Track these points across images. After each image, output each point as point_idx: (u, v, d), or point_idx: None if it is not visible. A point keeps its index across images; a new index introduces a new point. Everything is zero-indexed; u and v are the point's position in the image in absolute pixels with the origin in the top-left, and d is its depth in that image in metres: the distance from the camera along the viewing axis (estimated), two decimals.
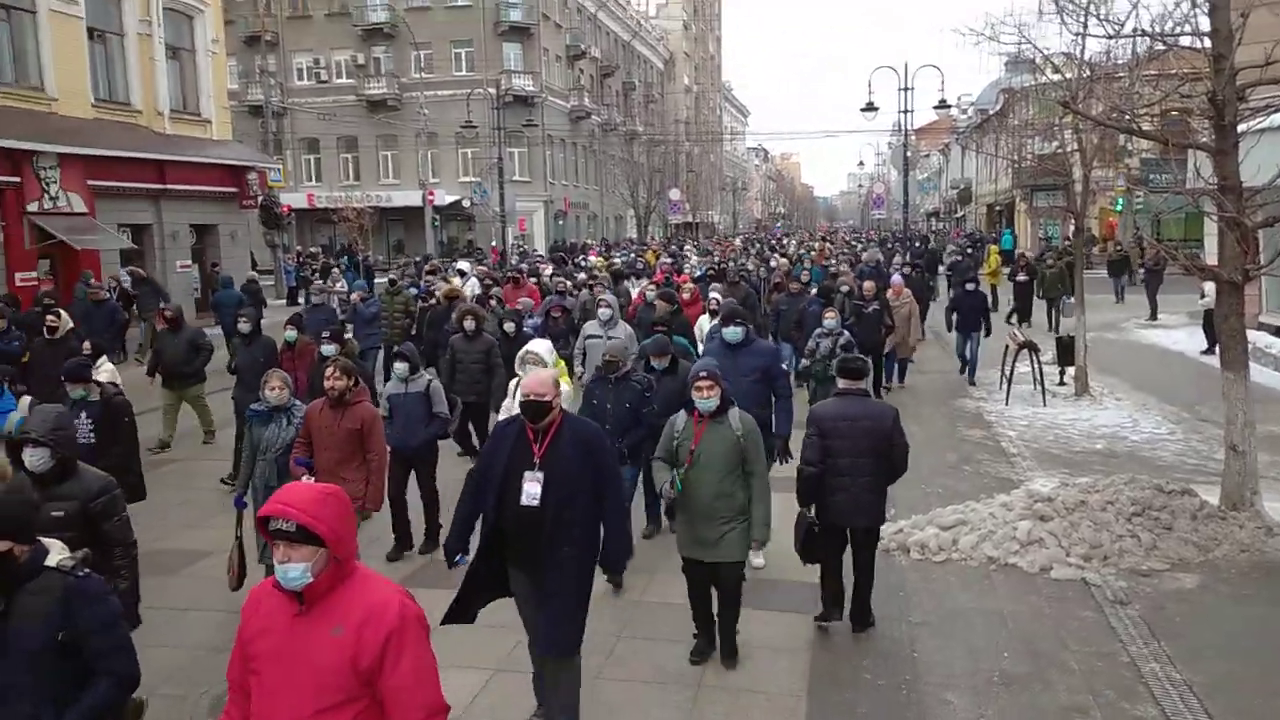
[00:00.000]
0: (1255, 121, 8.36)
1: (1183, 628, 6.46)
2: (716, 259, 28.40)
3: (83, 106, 20.89)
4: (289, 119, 46.74)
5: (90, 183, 20.32)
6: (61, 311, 11.82)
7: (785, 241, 46.15)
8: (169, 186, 22.94)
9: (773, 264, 23.15)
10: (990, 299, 21.30)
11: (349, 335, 13.33)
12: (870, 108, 32.16)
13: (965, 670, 5.95)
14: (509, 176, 41.83)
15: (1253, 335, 11.29)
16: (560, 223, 53.12)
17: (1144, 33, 9.08)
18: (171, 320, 11.73)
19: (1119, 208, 38.26)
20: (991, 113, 44.92)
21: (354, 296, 15.46)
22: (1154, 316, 23.07)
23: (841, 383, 6.55)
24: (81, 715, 3.30)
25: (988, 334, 15.37)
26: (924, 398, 14.40)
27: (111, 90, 22.29)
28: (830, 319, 11.19)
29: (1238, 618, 6.66)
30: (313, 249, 40.15)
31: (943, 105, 33.84)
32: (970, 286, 15.54)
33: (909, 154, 40.58)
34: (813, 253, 30.34)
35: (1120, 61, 11.99)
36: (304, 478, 6.38)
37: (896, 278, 15.82)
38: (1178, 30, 8.62)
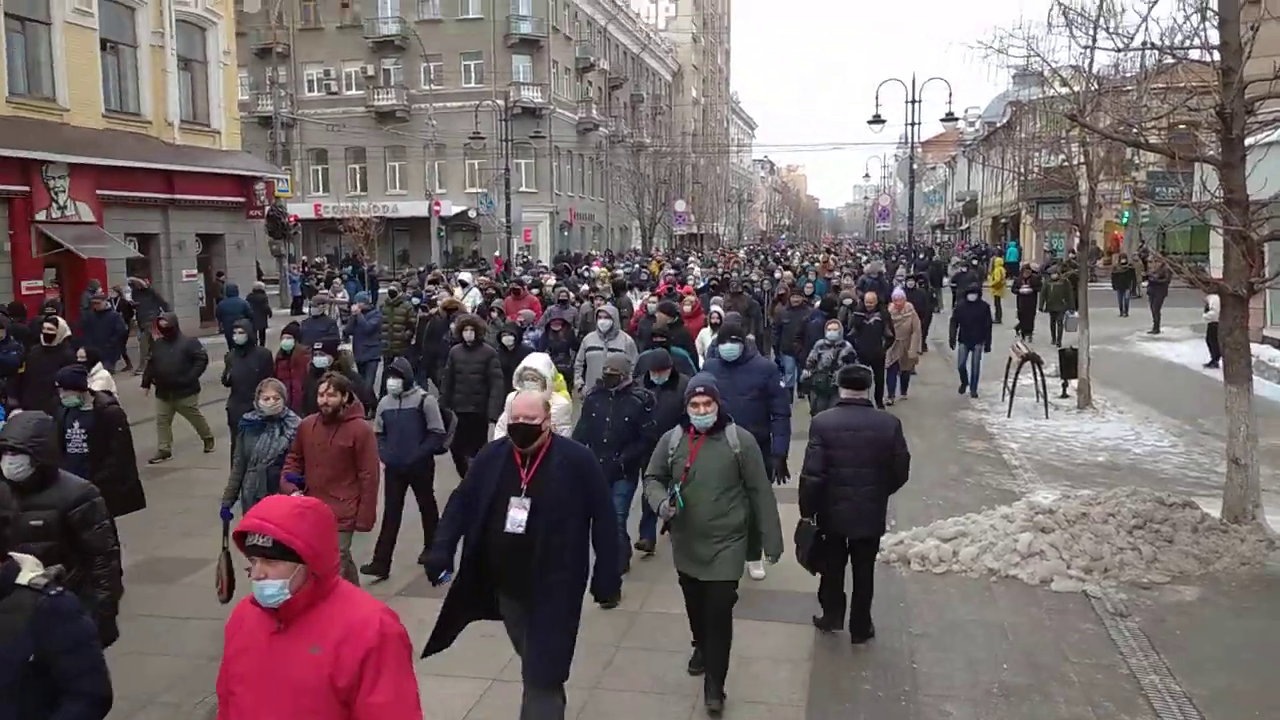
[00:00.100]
0: (1263, 135, 8.37)
1: (1183, 640, 6.46)
2: (720, 270, 28.44)
3: (94, 117, 21.03)
4: (298, 130, 47.01)
5: (99, 192, 20.45)
6: (59, 319, 11.85)
7: (790, 253, 46.19)
8: (177, 196, 23.08)
9: (777, 276, 23.17)
10: (994, 311, 21.30)
11: (346, 346, 13.38)
12: (877, 120, 32.20)
13: (965, 682, 5.95)
14: (515, 187, 41.94)
15: (1256, 349, 11.29)
16: (565, 233, 53.25)
17: (1153, 46, 9.09)
18: (166, 330, 11.69)
19: (1124, 221, 38.23)
20: (998, 125, 44.96)
21: (355, 308, 15.38)
22: (1157, 329, 23.06)
23: (844, 393, 6.59)
24: None
25: (987, 349, 15.20)
26: (926, 409, 14.40)
27: (123, 101, 22.44)
28: (832, 330, 11.21)
29: (1238, 631, 6.65)
30: (318, 259, 40.33)
31: (950, 118, 33.87)
32: (972, 298, 15.50)
33: (915, 166, 40.64)
34: (817, 264, 30.38)
35: (1128, 75, 12.00)
36: (294, 494, 6.36)
37: (898, 291, 15.79)
38: (1187, 44, 8.62)
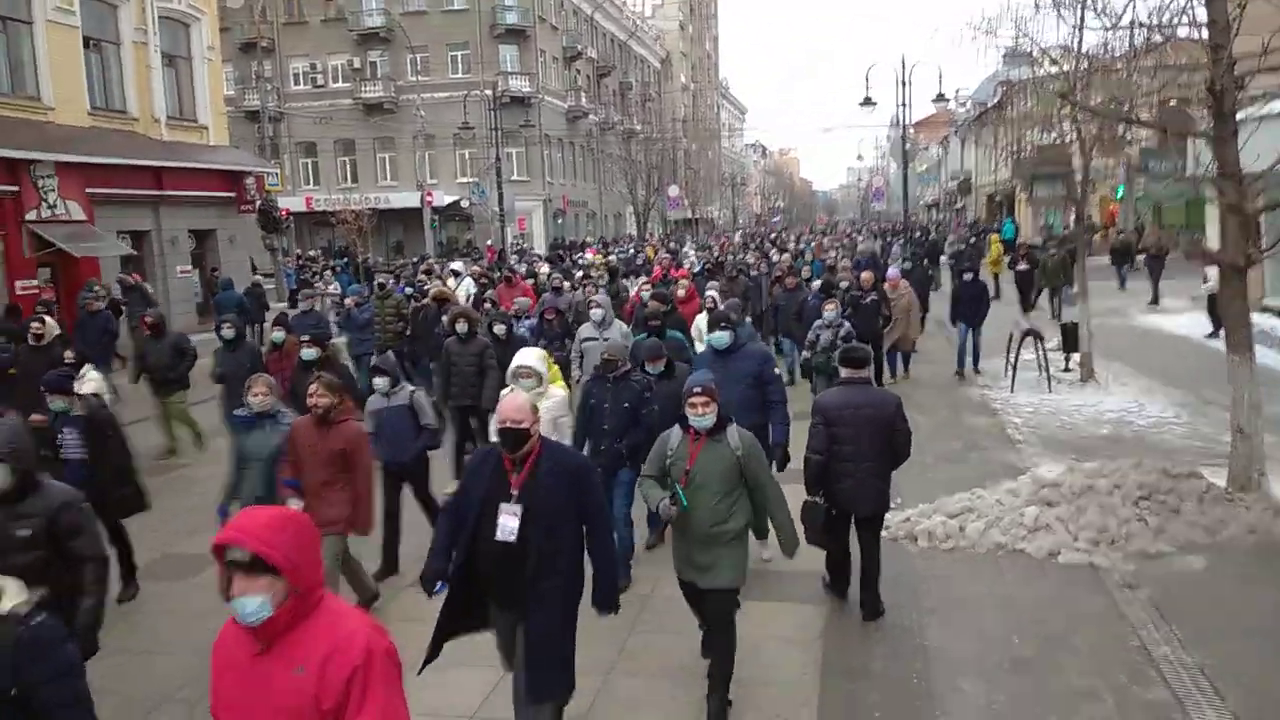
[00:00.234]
0: (1254, 108, 8.35)
1: (1192, 610, 6.44)
2: (715, 254, 28.37)
3: (79, 115, 20.88)
4: (286, 123, 46.75)
5: (88, 190, 20.30)
6: (47, 318, 11.70)
7: (785, 236, 46.15)
8: (167, 192, 22.92)
9: (774, 259, 23.12)
10: (993, 288, 21.27)
11: (340, 339, 13.26)
12: (868, 102, 32.19)
13: (975, 656, 5.94)
14: (507, 176, 41.84)
15: (1257, 318, 11.25)
16: (559, 221, 53.14)
17: (1141, 24, 9.06)
18: (153, 326, 11.56)
19: (1120, 195, 38.21)
20: (990, 105, 44.87)
21: (348, 301, 15.22)
22: (1156, 301, 23.06)
23: (844, 372, 6.61)
24: None
25: (980, 322, 14.99)
26: (929, 387, 14.38)
27: (108, 98, 22.27)
28: (829, 310, 11.18)
29: (1247, 599, 6.64)
30: (312, 252, 40.17)
31: (940, 99, 33.89)
32: (968, 277, 15.45)
33: (908, 147, 40.57)
34: (813, 245, 30.40)
35: (1118, 54, 11.96)
36: (291, 500, 6.23)
37: (894, 270, 15.73)
38: (1175, 22, 8.59)
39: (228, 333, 10.64)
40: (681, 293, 13.17)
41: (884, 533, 7.11)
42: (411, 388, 7.90)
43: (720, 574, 5.23)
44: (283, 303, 27.92)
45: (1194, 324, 18.74)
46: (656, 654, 6.06)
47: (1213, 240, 15.72)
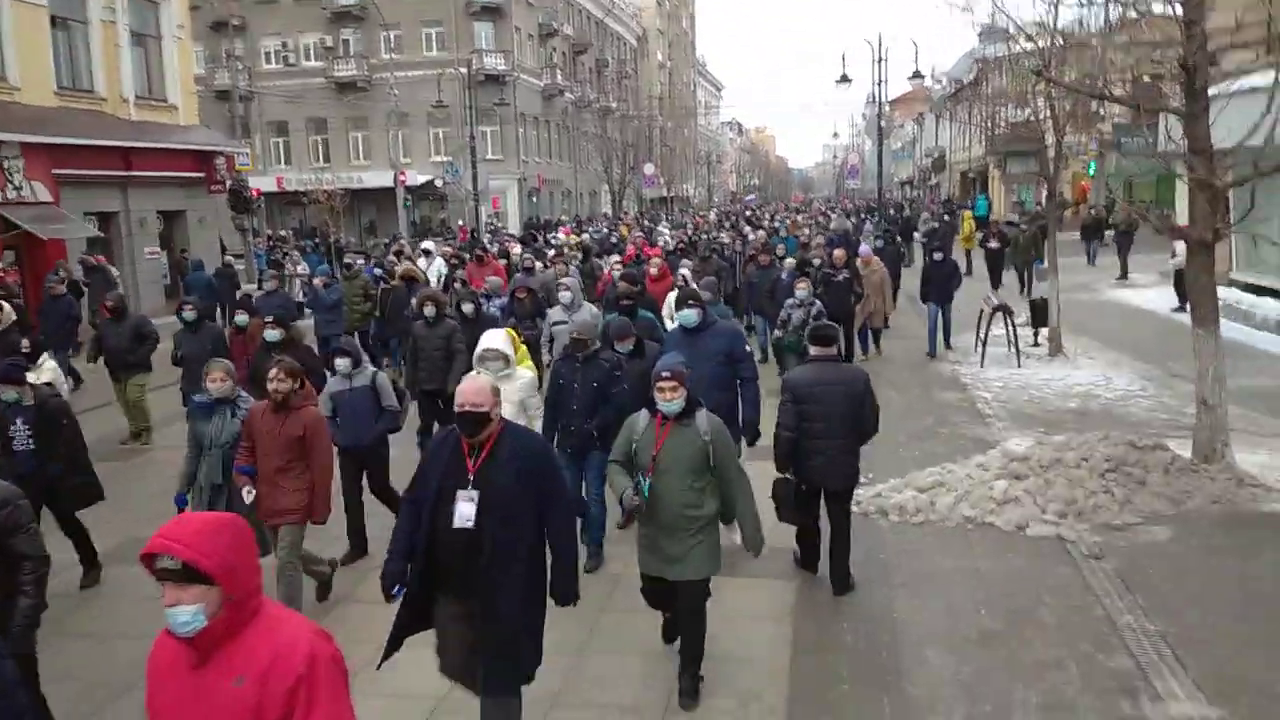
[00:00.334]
0: (1225, 85, 8.41)
1: (1157, 580, 6.56)
2: (690, 232, 28.30)
3: (46, 95, 20.56)
4: (257, 103, 46.12)
5: (55, 171, 20.01)
6: (4, 304, 11.53)
7: (760, 214, 46.16)
8: (135, 173, 22.64)
9: (750, 237, 23.11)
10: (965, 265, 21.35)
11: (308, 320, 13.11)
12: (844, 80, 32.15)
13: (944, 629, 6.02)
14: (481, 155, 41.50)
15: (1223, 292, 11.40)
16: (534, 200, 52.86)
17: (1116, 0, 9.10)
18: (114, 310, 11.38)
19: (1091, 172, 38.46)
20: (966, 82, 44.97)
21: (315, 281, 15.06)
22: (1124, 276, 23.30)
23: (813, 349, 6.68)
24: None
25: (949, 301, 14.94)
26: (901, 364, 14.47)
27: (75, 78, 21.92)
28: (801, 289, 11.20)
29: (1210, 569, 6.76)
30: (282, 232, 39.76)
31: (917, 76, 33.92)
32: (938, 256, 15.41)
33: (883, 124, 40.60)
34: (788, 222, 30.43)
35: (1092, 30, 12.01)
36: (245, 488, 6.16)
37: (865, 248, 15.73)
38: None
39: (189, 315, 10.52)
40: (654, 270, 13.11)
41: (855, 508, 7.20)
42: (374, 369, 7.82)
43: (693, 565, 5.11)
44: (253, 284, 27.71)
45: (1161, 298, 18.98)
46: (628, 633, 6.09)
47: (1182, 216, 15.87)
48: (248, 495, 6.16)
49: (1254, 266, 17.21)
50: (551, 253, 20.08)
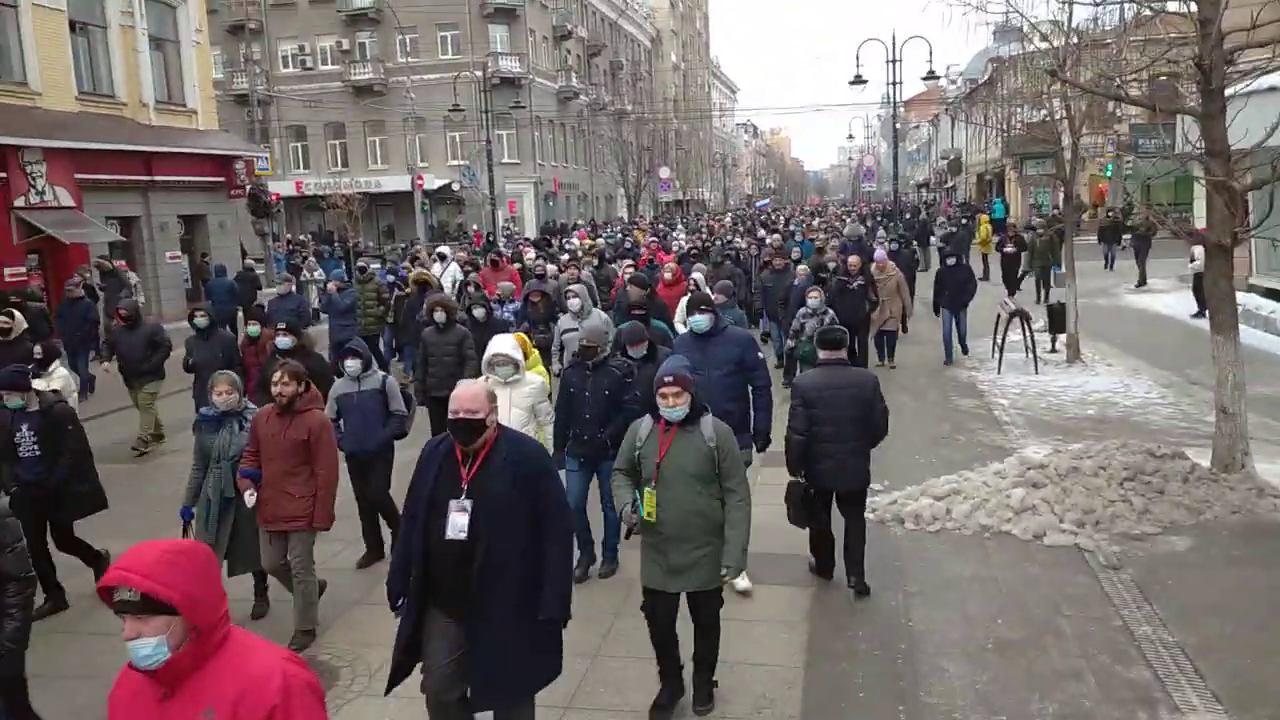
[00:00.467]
0: (1242, 85, 8.33)
1: (1175, 590, 6.52)
2: (704, 236, 28.27)
3: (67, 100, 20.77)
4: (275, 107, 46.50)
5: (77, 176, 20.23)
6: (16, 312, 11.58)
7: (776, 217, 46.11)
8: (156, 178, 22.85)
9: (766, 241, 23.06)
10: (981, 269, 21.25)
11: (322, 326, 13.13)
12: (859, 80, 32.09)
13: (960, 638, 6.00)
14: (497, 159, 41.66)
15: (1242, 297, 11.34)
16: (550, 204, 52.98)
17: None
18: (127, 318, 11.43)
19: (1108, 173, 38.26)
20: (980, 82, 44.83)
21: (330, 285, 15.11)
22: (1143, 282, 23.14)
23: (822, 353, 6.72)
24: None
25: (964, 307, 14.84)
26: (917, 369, 14.43)
27: (95, 83, 22.14)
28: (814, 299, 11.17)
29: (1229, 579, 6.71)
30: (302, 237, 40.04)
31: (931, 76, 33.81)
32: (951, 262, 15.22)
33: (898, 126, 40.51)
34: (803, 226, 30.43)
35: (1107, 28, 11.96)
36: (248, 492, 6.09)
37: (880, 252, 15.66)
38: None
39: (200, 321, 10.54)
40: (668, 275, 13.08)
41: (871, 515, 7.21)
42: (384, 373, 7.78)
43: (699, 575, 4.92)
44: (273, 288, 27.89)
45: (1180, 304, 18.85)
46: (642, 637, 6.04)
47: (1200, 219, 15.78)
48: (249, 499, 6.11)
49: (1274, 271, 17.08)
50: (565, 258, 20.11)
